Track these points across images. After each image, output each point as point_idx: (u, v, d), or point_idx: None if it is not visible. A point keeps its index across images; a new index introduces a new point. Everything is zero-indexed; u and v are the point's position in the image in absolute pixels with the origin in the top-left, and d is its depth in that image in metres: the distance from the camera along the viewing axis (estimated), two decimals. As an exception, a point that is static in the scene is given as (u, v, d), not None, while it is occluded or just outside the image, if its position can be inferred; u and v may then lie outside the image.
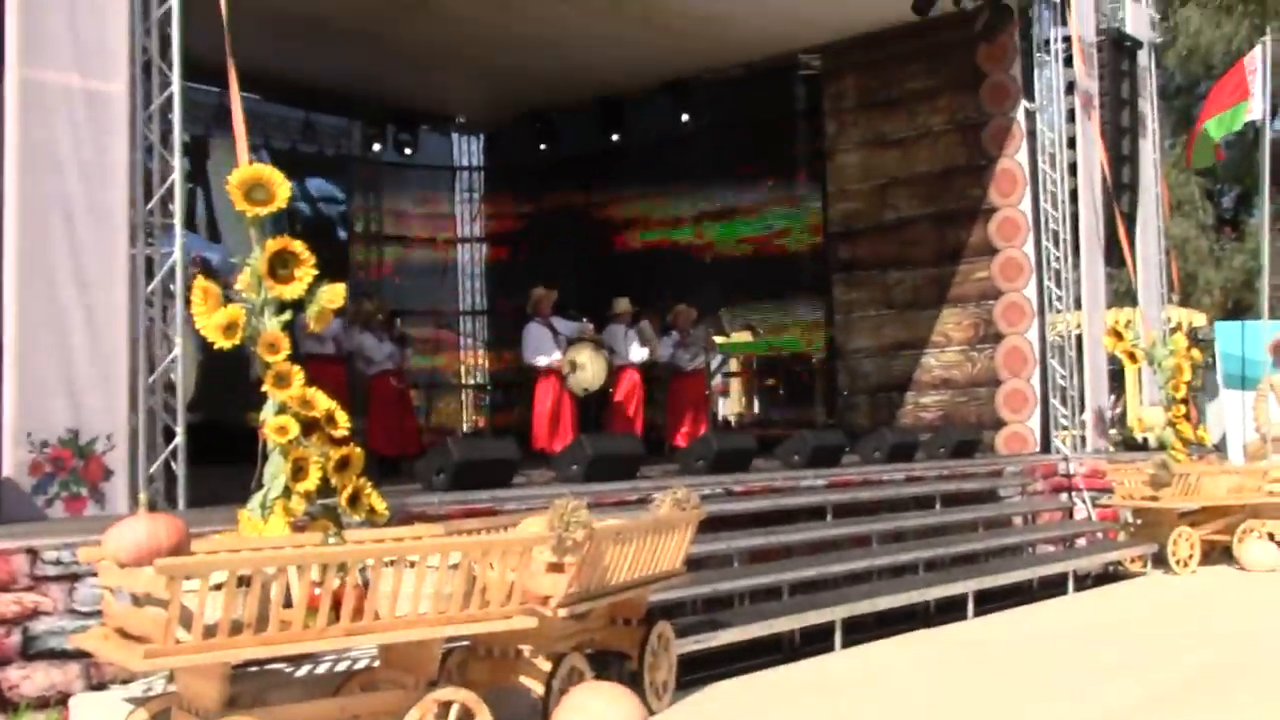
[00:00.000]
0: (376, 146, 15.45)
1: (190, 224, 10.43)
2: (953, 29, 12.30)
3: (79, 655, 4.93)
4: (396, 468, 10.17)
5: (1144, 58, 13.53)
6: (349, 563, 4.07)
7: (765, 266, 14.55)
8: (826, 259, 13.83)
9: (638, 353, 11.29)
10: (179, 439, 6.45)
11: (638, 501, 7.73)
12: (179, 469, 6.46)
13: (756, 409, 15.87)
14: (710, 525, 6.87)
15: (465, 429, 16.74)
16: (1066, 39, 12.05)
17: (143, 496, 4.37)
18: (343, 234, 15.59)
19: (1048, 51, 12.10)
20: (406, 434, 10.52)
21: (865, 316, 13.42)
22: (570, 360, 10.52)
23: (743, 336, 14.74)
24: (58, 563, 5.10)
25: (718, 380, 15.03)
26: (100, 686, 5.01)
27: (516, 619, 4.48)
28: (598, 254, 15.67)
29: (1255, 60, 12.62)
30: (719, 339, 12.42)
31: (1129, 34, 12.87)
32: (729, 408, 16.30)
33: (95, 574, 4.47)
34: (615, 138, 15.23)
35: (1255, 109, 12.51)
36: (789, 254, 14.48)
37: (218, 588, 3.76)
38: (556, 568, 4.96)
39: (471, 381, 17.13)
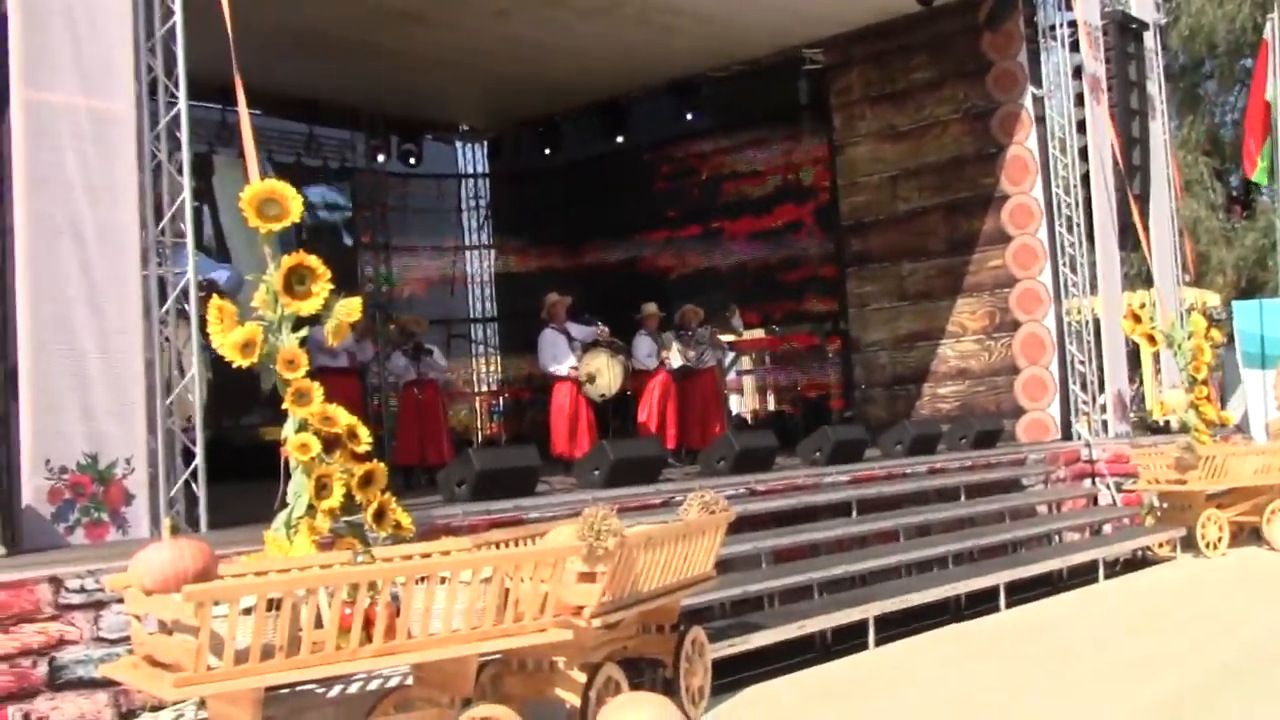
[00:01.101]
0: (381, 158, 15.45)
1: (197, 245, 10.43)
2: (957, 18, 12.28)
3: (107, 684, 4.84)
4: (418, 479, 10.19)
5: (1149, 39, 13.41)
6: (380, 582, 4.00)
7: (777, 262, 14.51)
8: (838, 252, 13.81)
9: (675, 359, 11.22)
10: (198, 459, 6.37)
11: (661, 505, 7.70)
12: (199, 490, 6.39)
13: (772, 405, 15.75)
14: (735, 525, 6.74)
15: (481, 435, 16.74)
16: (1072, 23, 11.97)
17: (166, 521, 4.31)
18: (349, 241, 15.61)
19: (1053, 36, 12.02)
20: (430, 443, 10.45)
21: (879, 309, 13.37)
22: (588, 374, 10.48)
23: (756, 334, 14.69)
24: (82, 590, 5.02)
25: (731, 377, 15.03)
26: (129, 715, 4.94)
27: (551, 631, 4.41)
28: (608, 256, 15.61)
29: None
30: (727, 338, 12.30)
31: (1134, 15, 12.77)
32: (744, 404, 16.27)
33: (120, 600, 4.40)
34: (620, 139, 15.19)
35: None
36: (800, 248, 14.42)
37: (247, 612, 3.68)
38: (589, 577, 4.87)
39: (484, 388, 17.15)
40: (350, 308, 5.18)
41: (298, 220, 5.02)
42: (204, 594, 3.60)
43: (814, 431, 10.16)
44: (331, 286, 5.07)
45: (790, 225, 14.54)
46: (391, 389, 14.07)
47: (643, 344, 11.18)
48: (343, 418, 5.06)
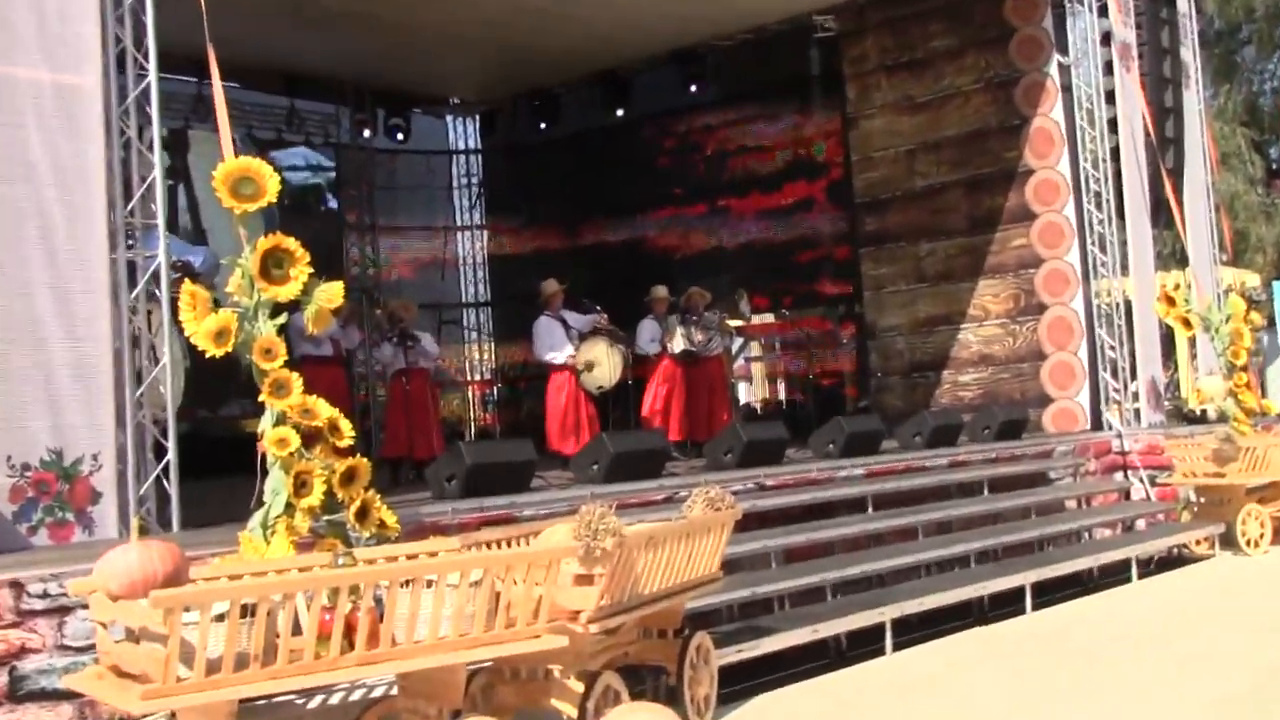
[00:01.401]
0: (367, 133, 15.40)
1: (172, 225, 10.43)
2: (978, -19, 12.28)
3: (72, 695, 4.79)
4: (406, 473, 10.28)
5: (1183, 3, 13.37)
6: (363, 585, 3.97)
7: (788, 242, 14.46)
8: (853, 232, 13.77)
9: (679, 344, 11.18)
10: (170, 455, 6.31)
11: (664, 501, 7.70)
12: (171, 488, 6.32)
13: (783, 394, 15.74)
14: (744, 523, 6.74)
15: (474, 427, 16.73)
16: (1101, -14, 11.98)
17: (135, 521, 4.26)
18: (332, 206, 15.61)
19: (1080, 1, 11.92)
20: (419, 435, 10.48)
21: (896, 291, 13.35)
22: (586, 361, 10.49)
23: (765, 319, 14.66)
24: (45, 595, 4.96)
25: (740, 364, 14.95)
26: (97, 727, 4.90)
27: (545, 638, 4.37)
28: (608, 236, 15.59)
29: None
30: (735, 323, 12.19)
31: (1167, -23, 12.72)
32: (753, 393, 16.22)
33: (85, 606, 4.36)
34: (620, 112, 15.14)
35: None
36: (812, 228, 14.38)
37: (220, 619, 3.64)
38: (586, 580, 4.84)
39: (477, 377, 17.16)
40: (332, 292, 5.13)
41: (274, 200, 4.98)
42: (173, 599, 3.55)
43: (827, 422, 10.17)
44: (311, 270, 5.02)
45: (801, 203, 14.48)
46: (379, 379, 14.15)
47: (646, 328, 11.21)
48: (323, 410, 5.03)
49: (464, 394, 17.12)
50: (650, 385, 11.23)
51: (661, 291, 11.37)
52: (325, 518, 5.00)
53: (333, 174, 15.65)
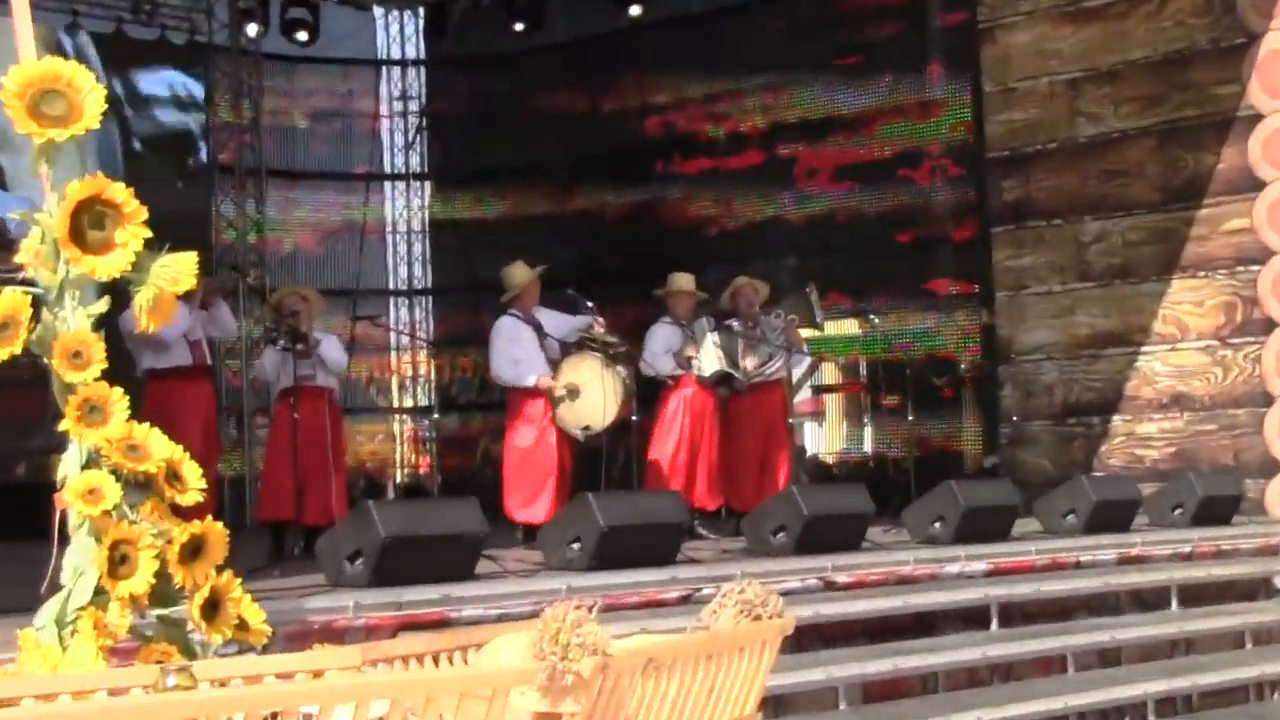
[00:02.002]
0: (252, 30, 15.53)
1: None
2: None
3: None
4: (290, 546, 10.48)
5: None
6: (204, 721, 3.91)
7: (881, 214, 14.70)
8: (981, 201, 13.81)
9: (710, 363, 11.30)
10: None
11: (679, 602, 7.85)
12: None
13: (869, 443, 15.83)
14: (799, 640, 7.00)
15: (401, 478, 17.11)
16: None
17: None
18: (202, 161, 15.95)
19: None
20: (313, 489, 10.55)
21: (1046, 294, 13.48)
22: (568, 386, 10.58)
23: (846, 328, 14.81)
24: None
25: (805, 397, 15.15)
26: None
27: (481, 811, 4.33)
28: (612, 197, 15.97)
29: None
30: (807, 332, 12.35)
31: None
32: (824, 441, 16.59)
33: None
34: (635, 11, 15.40)
35: None
36: (920, 194, 14.56)
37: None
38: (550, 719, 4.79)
39: (409, 403, 17.49)
40: (178, 269, 5.08)
41: (96, 126, 4.93)
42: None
43: (933, 488, 10.24)
44: (149, 233, 4.98)
45: (905, 155, 14.78)
46: (261, 403, 14.14)
47: (659, 336, 11.37)
48: (159, 448, 4.97)
49: (386, 426, 17.45)
50: (664, 423, 11.31)
51: (684, 281, 11.46)
52: (155, 612, 4.94)
53: (204, 114, 15.93)
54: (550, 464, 10.63)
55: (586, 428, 10.67)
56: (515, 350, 10.71)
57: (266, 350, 10.94)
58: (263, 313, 13.08)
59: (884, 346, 14.87)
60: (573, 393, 10.59)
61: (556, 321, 10.92)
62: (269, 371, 10.88)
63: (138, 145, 14.76)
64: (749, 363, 11.46)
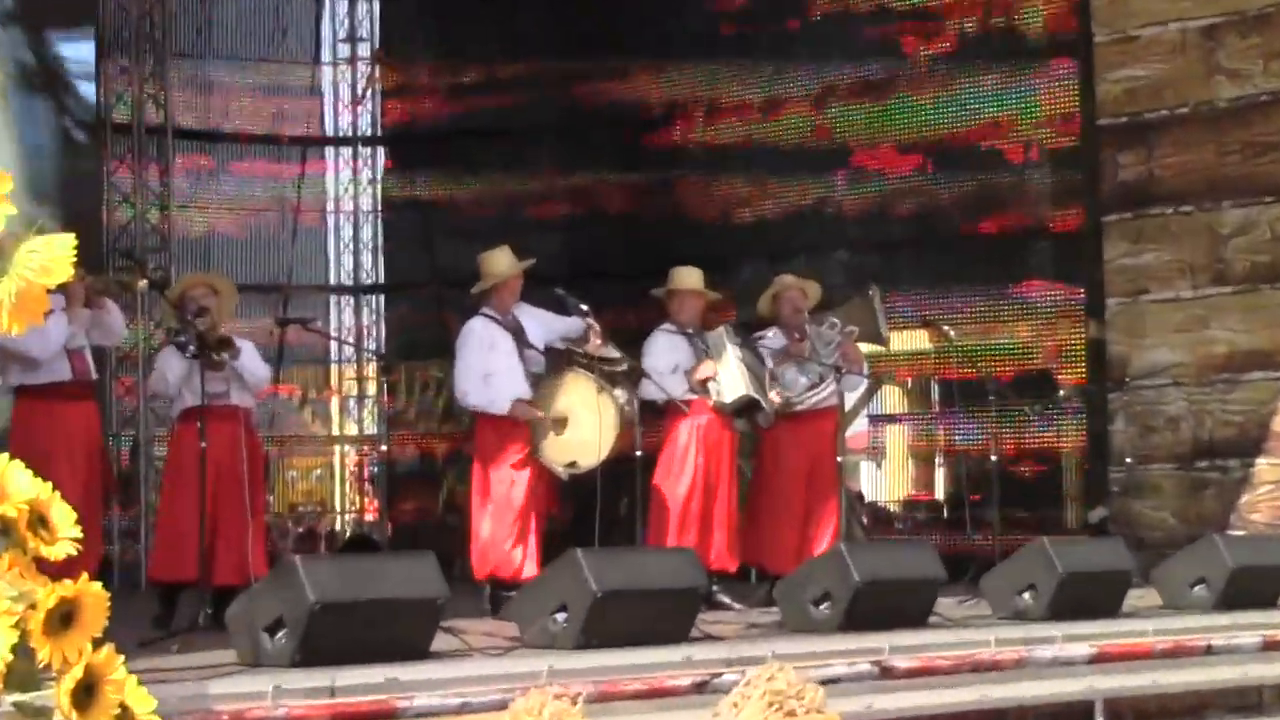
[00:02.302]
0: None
1: None
2: None
3: None
4: (191, 612, 10.13)
5: None
6: None
7: (960, 198, 14.77)
8: (1091, 182, 13.94)
9: (733, 385, 11.22)
10: None
11: (691, 690, 7.72)
12: None
13: (941, 488, 16.07)
14: None
15: (341, 526, 17.26)
16: None
17: None
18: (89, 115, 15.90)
19: None
20: (224, 541, 10.47)
21: (1171, 301, 13.49)
22: (555, 415, 10.68)
23: (913, 341, 14.98)
24: None
25: (860, 429, 15.18)
26: None
27: None
28: (610, 172, 16.07)
29: None
30: (866, 347, 12.42)
31: None
32: (883, 485, 16.66)
33: None
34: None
35: None
36: (1010, 170, 14.62)
37: None
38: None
39: (353, 429, 17.50)
40: (52, 256, 4.82)
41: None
42: None
43: (1021, 548, 10.37)
44: (14, 211, 4.73)
45: (986, 125, 14.81)
46: (159, 427, 14.18)
47: (661, 347, 11.32)
48: (20, 485, 4.69)
49: (324, 460, 17.66)
50: (673, 460, 11.32)
51: (689, 278, 11.46)
52: (11, 698, 4.68)
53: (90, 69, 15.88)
54: (528, 511, 10.64)
55: (572, 464, 10.74)
56: (488, 361, 10.69)
57: (167, 354, 10.72)
58: (161, 312, 12.93)
59: (961, 365, 14.78)
60: (558, 422, 10.67)
61: (542, 325, 10.94)
62: (171, 384, 10.55)
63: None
64: (801, 386, 11.38)
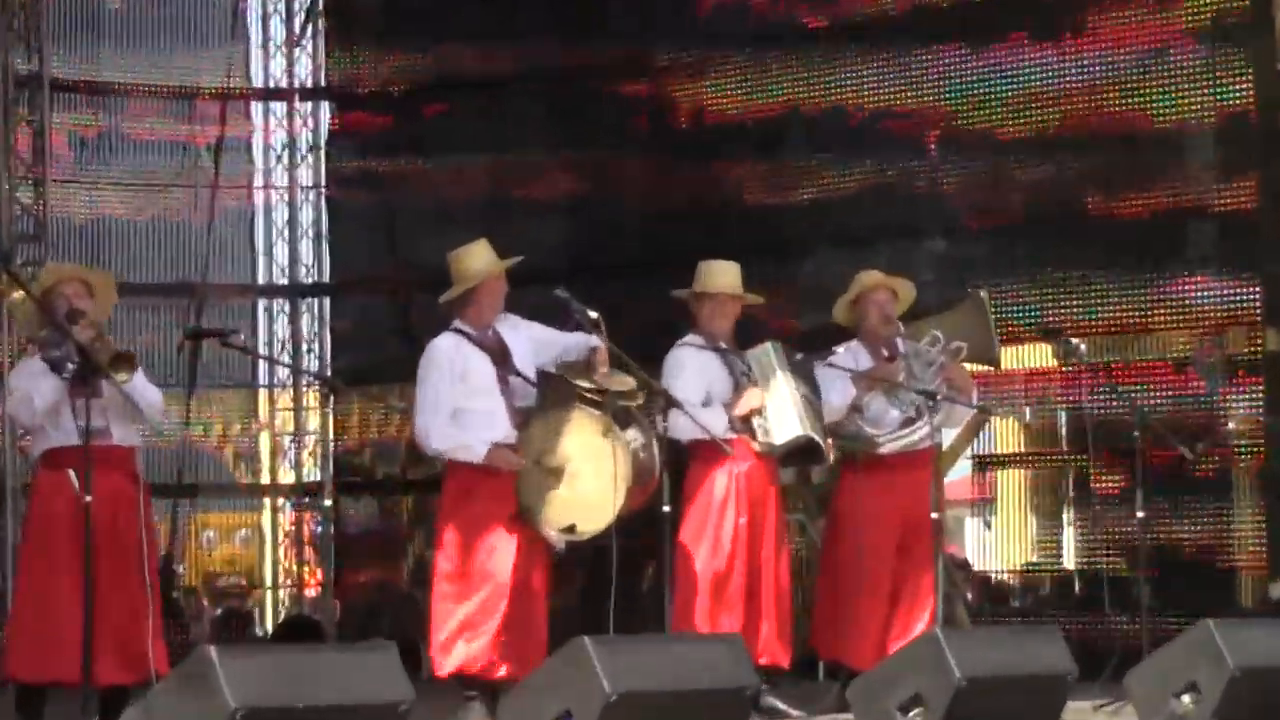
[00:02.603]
0: None
1: None
2: None
3: None
4: None
5: None
6: None
7: (1091, 172, 15.46)
8: (1264, 156, 14.38)
9: (785, 422, 11.10)
10: None
11: None
12: None
13: (1071, 555, 16.01)
14: None
15: (275, 604, 18.35)
16: None
17: None
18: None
19: None
20: (106, 625, 10.24)
21: None
22: (541, 462, 10.51)
23: (1034, 356, 15.51)
24: None
25: (963, 474, 15.56)
26: None
27: None
28: (618, 144, 16.74)
29: None
30: (974, 366, 12.26)
31: None
32: (996, 550, 16.91)
33: None
34: None
35: None
36: (1156, 140, 15.11)
37: None
38: None
39: (289, 478, 18.30)
40: None
41: None
42: None
43: (1180, 634, 10.33)
44: None
45: (1134, 102, 15.20)
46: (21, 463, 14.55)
47: (691, 368, 11.12)
48: None
49: (251, 518, 18.71)
50: (707, 518, 11.15)
51: (723, 276, 11.24)
52: None
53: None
54: (522, 578, 10.61)
55: (570, 529, 10.56)
56: (459, 394, 10.56)
57: (33, 370, 10.38)
58: (21, 316, 12.35)
59: (1097, 389, 14.70)
60: (553, 473, 10.35)
61: (533, 343, 10.76)
62: (39, 412, 10.38)
63: None
64: (889, 418, 11.31)
